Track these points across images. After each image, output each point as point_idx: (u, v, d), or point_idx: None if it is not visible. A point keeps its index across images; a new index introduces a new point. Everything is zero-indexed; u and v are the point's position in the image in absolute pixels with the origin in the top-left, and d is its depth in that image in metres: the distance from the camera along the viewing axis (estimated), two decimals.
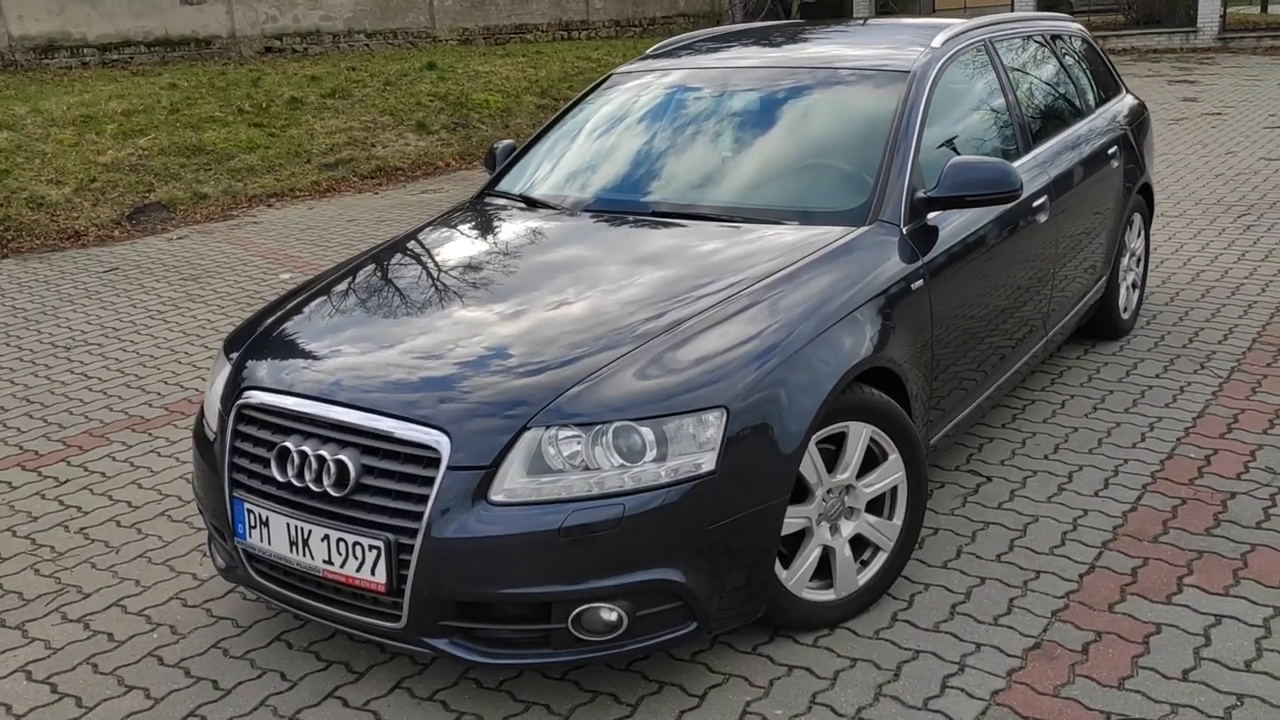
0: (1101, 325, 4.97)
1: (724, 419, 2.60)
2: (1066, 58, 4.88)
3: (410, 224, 3.68)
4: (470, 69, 14.89)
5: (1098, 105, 4.95)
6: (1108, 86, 5.24)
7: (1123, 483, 3.75)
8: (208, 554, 3.29)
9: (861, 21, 5.27)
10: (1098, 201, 4.55)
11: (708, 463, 2.57)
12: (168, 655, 3.04)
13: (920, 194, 3.40)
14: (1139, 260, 5.26)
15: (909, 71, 3.71)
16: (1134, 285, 5.22)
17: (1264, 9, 27.07)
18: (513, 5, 21.45)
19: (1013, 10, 21.60)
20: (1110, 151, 4.71)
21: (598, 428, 2.55)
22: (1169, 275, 6.10)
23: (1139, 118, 5.31)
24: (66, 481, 4.17)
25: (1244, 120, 11.51)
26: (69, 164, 9.63)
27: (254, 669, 2.96)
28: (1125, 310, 5.11)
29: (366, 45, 18.97)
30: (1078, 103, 4.76)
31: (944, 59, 3.84)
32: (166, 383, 5.20)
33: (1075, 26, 5.22)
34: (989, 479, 3.84)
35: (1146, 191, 5.21)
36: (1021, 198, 3.76)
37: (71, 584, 3.44)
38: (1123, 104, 5.25)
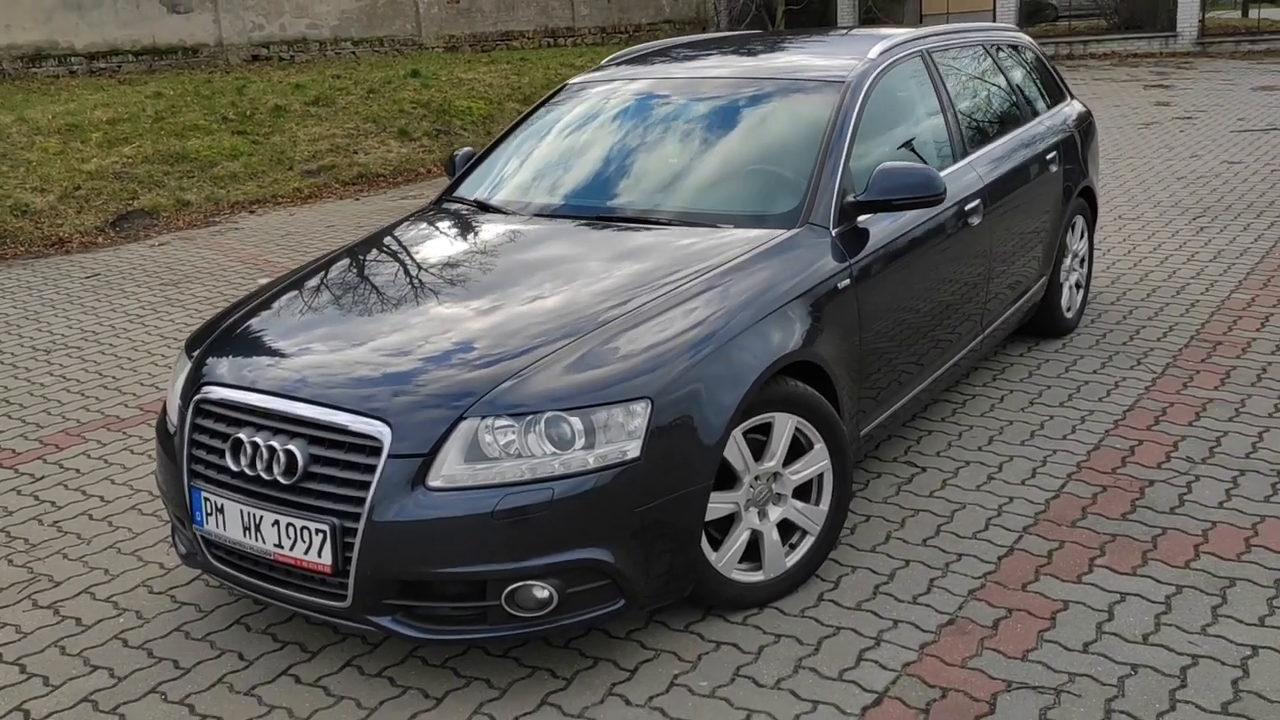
0: (1044, 323, 5.16)
1: (649, 409, 2.78)
2: (1008, 66, 5.08)
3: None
4: (454, 76, 15.08)
5: (1039, 112, 5.14)
6: (1051, 94, 5.43)
7: (1049, 472, 3.93)
8: (171, 543, 3.45)
9: (820, 32, 5.46)
10: (1036, 205, 4.74)
11: (633, 450, 2.75)
12: (132, 638, 3.21)
13: (850, 198, 3.58)
14: (1082, 261, 5.45)
15: (844, 81, 3.90)
16: (1077, 285, 5.40)
17: (1244, 13, 27.36)
18: (499, 12, 21.65)
19: (995, 17, 21.87)
20: (1050, 156, 4.90)
21: (530, 417, 2.72)
22: (1118, 275, 6.29)
23: (1083, 124, 5.50)
24: (43, 478, 4.34)
25: (1213, 124, 11.73)
26: (54, 172, 9.80)
27: (213, 649, 3.13)
28: (1069, 309, 5.29)
29: (353, 53, 19.15)
30: (1017, 110, 4.95)
31: (879, 69, 4.02)
32: (142, 384, 5.37)
33: (1020, 36, 5.41)
34: (924, 469, 4.02)
35: (1089, 195, 5.40)
36: (950, 201, 3.97)
37: (43, 573, 3.60)
38: (1066, 111, 5.44)
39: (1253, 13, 26.18)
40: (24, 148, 10.29)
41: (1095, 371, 4.85)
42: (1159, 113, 12.90)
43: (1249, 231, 7.08)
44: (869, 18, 24.49)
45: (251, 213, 9.82)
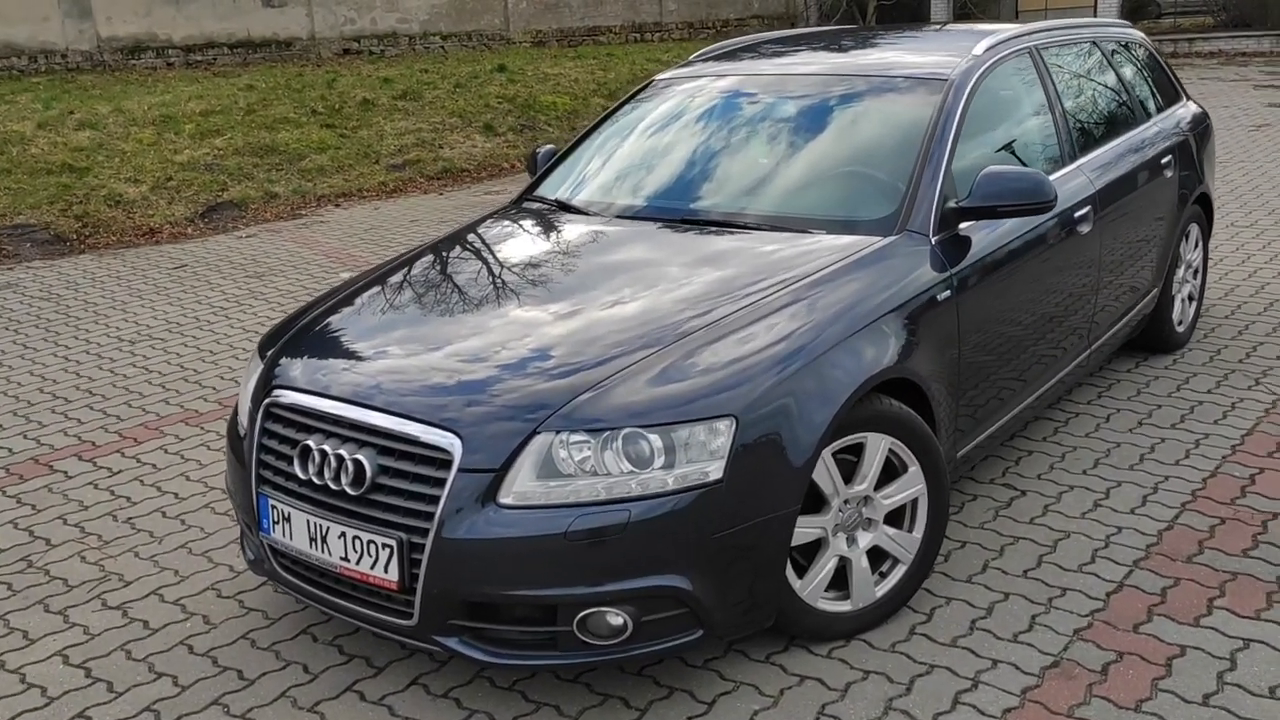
0: (1154, 338, 4.86)
1: (734, 428, 2.61)
2: (1120, 65, 4.78)
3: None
4: (540, 71, 15.03)
5: (1153, 113, 4.83)
6: (1166, 94, 5.12)
7: (1161, 500, 3.67)
8: (240, 547, 3.38)
9: (915, 28, 5.22)
10: (1149, 212, 4.45)
11: (715, 471, 2.58)
12: (198, 644, 3.14)
13: (952, 204, 3.37)
14: (1196, 272, 5.13)
15: (946, 79, 3.68)
16: (1190, 297, 5.09)
17: None
18: (586, 7, 21.59)
19: (1095, 13, 21.15)
20: (1164, 161, 4.60)
21: (607, 434, 2.57)
22: (1233, 287, 5.93)
23: (1199, 126, 5.18)
24: (119, 472, 4.32)
25: None
26: (147, 163, 9.95)
27: (279, 660, 3.05)
28: (1180, 323, 4.98)
29: (442, 47, 19.26)
30: (1130, 111, 4.66)
31: (984, 66, 3.79)
32: (222, 378, 5.35)
33: (1132, 33, 5.11)
34: (1023, 493, 3.78)
35: (1205, 202, 5.08)
36: (1060, 208, 3.72)
37: (115, 572, 3.57)
38: (1181, 112, 5.12)
39: None
40: (119, 138, 10.48)
41: (1210, 391, 4.55)
42: (1271, 114, 12.29)
43: None
44: (964, 13, 23.91)
45: (337, 206, 9.86)
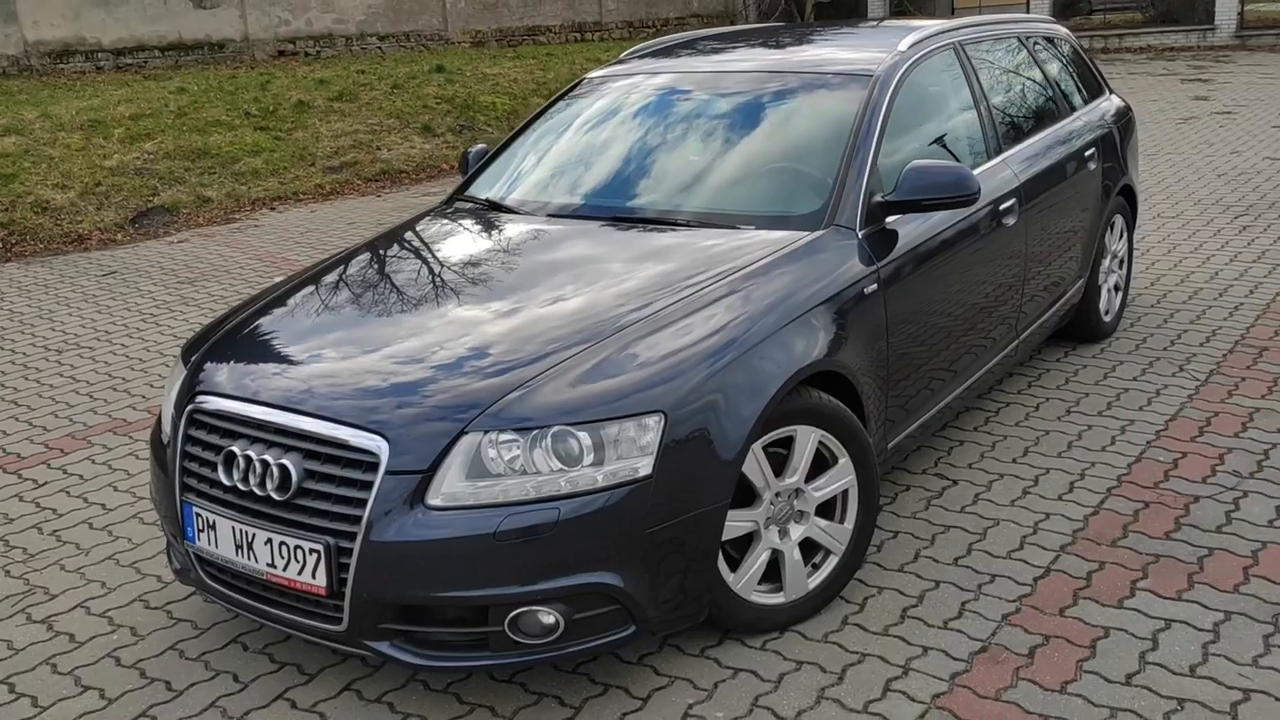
0: (1082, 327, 4.95)
1: (663, 424, 2.62)
2: (1044, 60, 4.87)
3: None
4: (478, 71, 14.95)
5: (1077, 107, 4.92)
6: (1089, 88, 5.22)
7: (1088, 486, 3.74)
8: (166, 557, 3.33)
9: (846, 24, 5.27)
10: (1073, 204, 4.53)
11: (645, 467, 2.58)
12: (125, 656, 3.08)
13: (878, 198, 3.40)
14: (1121, 262, 5.23)
15: (871, 75, 3.72)
16: (1116, 287, 5.19)
17: None
18: (525, 7, 21.52)
19: (1027, 9, 21.50)
20: (1088, 154, 4.69)
21: (536, 432, 2.57)
22: (1159, 277, 6.06)
23: (1122, 119, 5.28)
24: (45, 484, 4.23)
25: (1253, 119, 11.41)
26: (75, 168, 9.74)
27: (208, 670, 3.00)
28: (1107, 313, 5.08)
29: (379, 48, 19.08)
30: (1054, 105, 4.74)
31: (909, 62, 3.84)
32: (151, 386, 5.26)
33: (1056, 28, 5.20)
34: (955, 482, 3.83)
35: (1128, 193, 5.19)
36: (985, 201, 3.78)
37: (40, 585, 3.49)
38: (1105, 106, 5.22)
39: None
40: (47, 144, 10.24)
41: (1135, 378, 4.64)
42: (1197, 107, 12.58)
43: None
44: (900, 11, 24.17)
45: (272, 209, 9.73)
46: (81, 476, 4.28)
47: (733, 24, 24.42)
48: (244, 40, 17.45)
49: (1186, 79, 15.48)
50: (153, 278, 7.41)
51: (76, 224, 8.85)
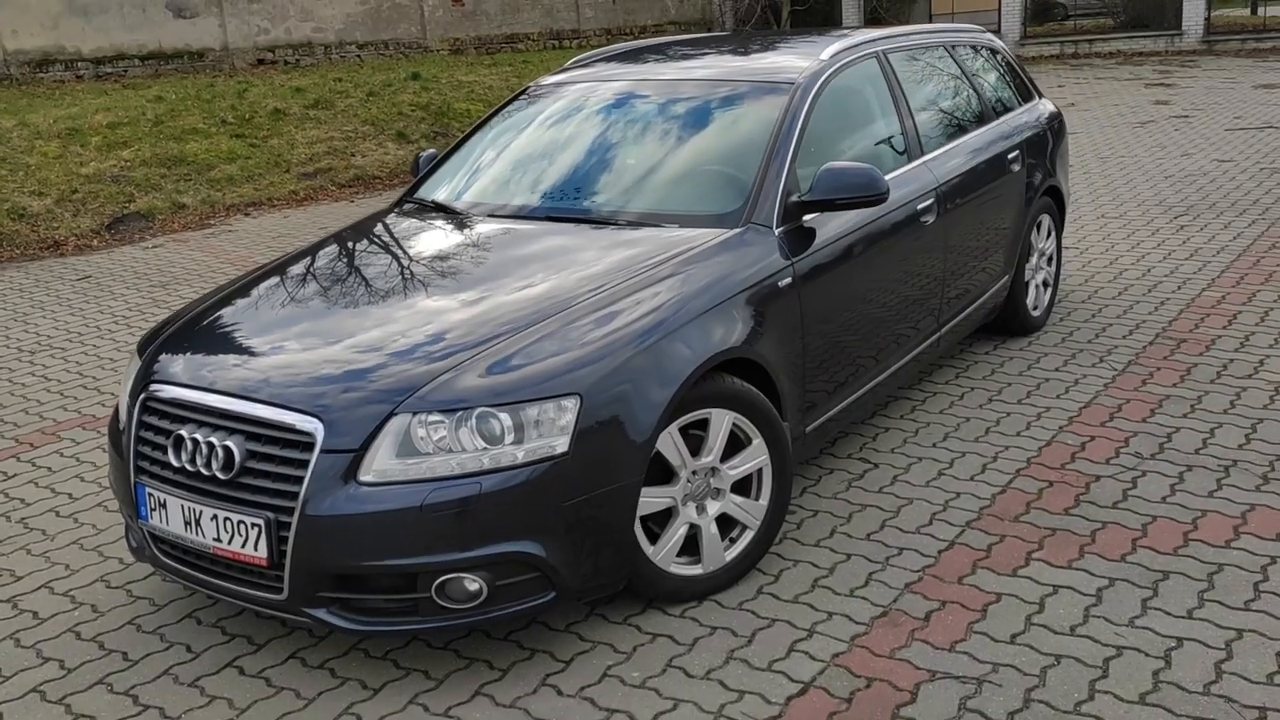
0: (1009, 322, 5.19)
1: (579, 405, 2.84)
2: (970, 67, 5.11)
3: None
4: (454, 78, 15.18)
5: (1003, 113, 5.16)
6: (1020, 93, 5.46)
7: (999, 468, 3.97)
8: (125, 538, 3.53)
9: (781, 34, 5.50)
10: (995, 204, 4.77)
11: (562, 445, 2.80)
12: (85, 631, 3.29)
13: (795, 198, 3.63)
14: (1050, 260, 5.48)
15: (793, 83, 3.95)
16: (1045, 283, 5.43)
17: (1254, 10, 27.18)
18: (504, 15, 21.75)
19: (999, 17, 21.86)
20: (1012, 156, 4.93)
21: (460, 413, 2.79)
22: (1093, 274, 6.32)
23: (1052, 123, 5.53)
24: (14, 476, 4.43)
25: (1209, 123, 11.71)
26: (52, 175, 9.92)
27: (163, 642, 3.21)
28: (1035, 308, 5.32)
29: (358, 56, 19.28)
30: (978, 110, 4.98)
31: (829, 70, 4.07)
32: (121, 384, 5.45)
33: (985, 37, 5.45)
34: (876, 465, 4.06)
35: (1056, 194, 5.43)
36: (902, 200, 4.02)
37: (5, 568, 3.69)
38: (1034, 111, 5.47)
39: (1261, 10, 26.01)
40: (24, 151, 10.43)
41: (1057, 369, 4.88)
42: (1156, 111, 12.88)
43: (1229, 230, 7.09)
44: (874, 18, 24.47)
45: (247, 215, 9.93)
46: (50, 469, 4.48)
47: (709, 30, 24.70)
48: (223, 49, 17.64)
49: (1150, 83, 15.80)
50: (126, 282, 7.61)
51: (53, 230, 9.03)
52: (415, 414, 2.78)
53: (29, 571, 3.66)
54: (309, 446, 2.78)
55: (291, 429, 2.81)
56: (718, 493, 3.25)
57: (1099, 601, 3.12)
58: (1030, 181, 5.08)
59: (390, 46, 19.88)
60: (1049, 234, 5.42)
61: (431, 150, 4.65)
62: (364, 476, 2.75)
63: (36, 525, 3.98)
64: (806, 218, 3.67)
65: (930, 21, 24.36)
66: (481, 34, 21.40)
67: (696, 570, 3.23)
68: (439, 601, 2.80)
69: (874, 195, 3.57)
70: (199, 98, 13.03)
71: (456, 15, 21.01)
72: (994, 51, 5.47)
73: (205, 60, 17.35)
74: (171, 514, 2.94)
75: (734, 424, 3.22)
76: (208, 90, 13.62)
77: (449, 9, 20.88)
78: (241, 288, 3.64)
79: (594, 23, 23.43)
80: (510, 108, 4.60)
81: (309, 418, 2.80)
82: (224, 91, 13.54)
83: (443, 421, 2.78)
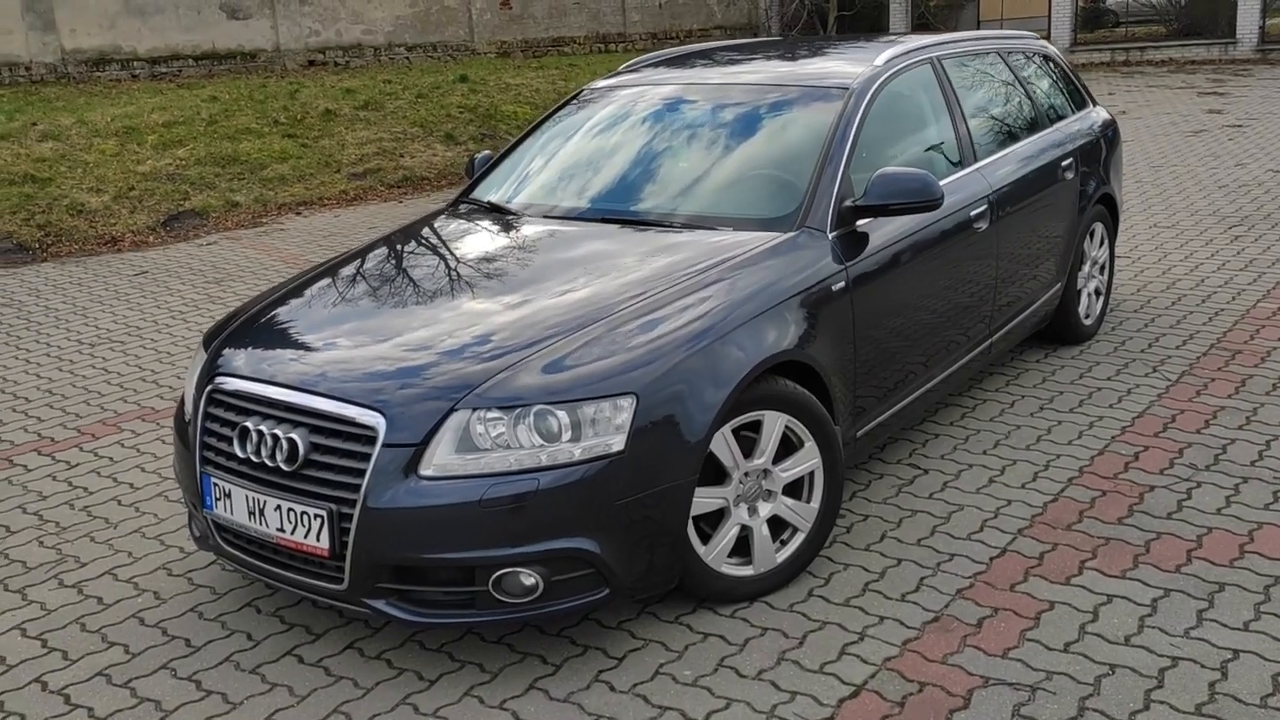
0: (1061, 330, 5.16)
1: (635, 405, 2.87)
2: (1024, 74, 5.09)
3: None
4: (502, 81, 15.30)
5: (1056, 120, 5.14)
6: (1072, 101, 5.43)
7: (1051, 476, 3.96)
8: (188, 526, 3.61)
9: (836, 39, 5.51)
10: (1049, 212, 4.76)
11: (618, 443, 2.84)
12: (149, 617, 3.37)
13: (849, 202, 3.65)
14: (1102, 268, 5.44)
15: (848, 88, 3.96)
16: (1097, 292, 5.40)
17: None
18: (550, 18, 21.88)
19: (1049, 23, 21.67)
20: (1065, 164, 4.91)
21: (519, 410, 2.83)
22: (1145, 283, 6.26)
23: (1106, 131, 5.49)
24: (77, 465, 4.54)
25: (1264, 133, 11.54)
26: (110, 173, 10.12)
27: (224, 629, 3.28)
28: (1087, 316, 5.29)
29: (407, 58, 19.47)
30: (1031, 117, 4.96)
31: (884, 76, 4.08)
32: (179, 377, 5.57)
33: (1038, 44, 5.42)
34: (926, 472, 4.06)
35: (1109, 202, 5.39)
36: (956, 207, 4.02)
37: (71, 555, 3.78)
38: (1088, 118, 5.44)
39: None
40: (82, 149, 10.64)
41: (1109, 378, 4.85)
42: (1209, 120, 12.71)
43: None
44: (922, 24, 24.35)
45: (298, 214, 10.07)
46: (111, 459, 4.58)
47: (755, 35, 24.69)
48: (275, 50, 17.89)
49: (1203, 92, 15.59)
50: (182, 278, 7.75)
51: (110, 226, 9.21)
52: (474, 410, 2.83)
53: (93, 558, 3.75)
54: (371, 440, 2.83)
55: (354, 423, 2.87)
56: (769, 494, 3.27)
57: (1154, 612, 3.10)
58: (1084, 189, 5.06)
59: (438, 49, 20.05)
60: (1102, 242, 5.39)
61: (487, 152, 4.71)
62: (424, 471, 2.80)
63: (99, 513, 4.08)
64: (860, 222, 3.68)
65: (979, 28, 24.24)
66: (528, 37, 21.53)
67: (748, 571, 3.25)
68: (496, 595, 2.84)
69: (929, 201, 3.58)
70: (252, 98, 13.23)
71: (504, 18, 21.16)
72: (1048, 58, 5.45)
73: (257, 61, 17.60)
74: (236, 504, 3.01)
75: (786, 427, 3.24)
76: (260, 91, 13.82)
77: (496, 12, 21.03)
78: (303, 284, 3.72)
79: (640, 27, 23.49)
80: (564, 111, 4.65)
81: (372, 412, 2.86)
82: (276, 92, 13.74)
83: (501, 418, 2.83)
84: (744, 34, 24.52)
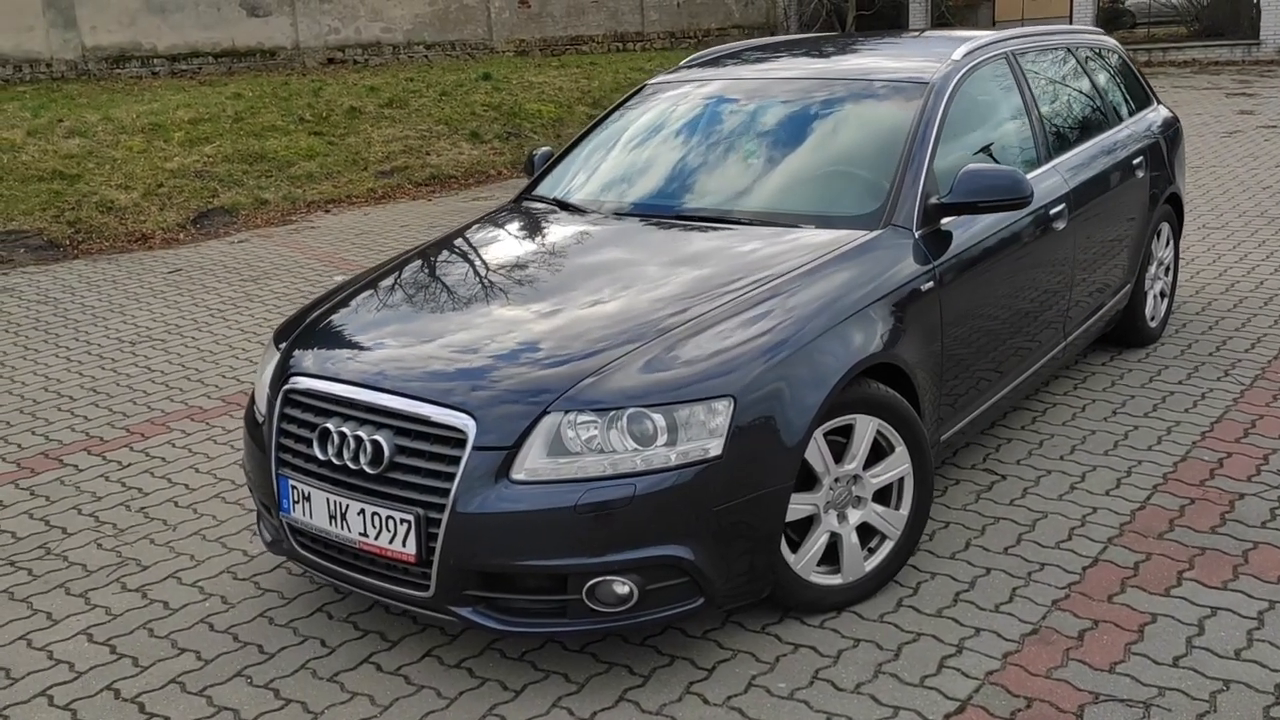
0: (1127, 332, 5.05)
1: (732, 408, 2.77)
2: (1094, 70, 4.99)
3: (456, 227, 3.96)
4: (524, 79, 15.20)
5: (1125, 117, 5.04)
6: (1138, 98, 5.33)
7: (1134, 483, 3.85)
8: (256, 530, 3.52)
9: (895, 34, 5.41)
10: (1121, 211, 4.65)
11: (715, 448, 2.74)
12: (218, 622, 3.27)
13: (934, 200, 3.54)
14: (1167, 269, 5.33)
15: (928, 83, 3.86)
16: (1162, 294, 5.29)
17: None
18: (568, 17, 21.80)
19: (1070, 20, 21.52)
20: (1136, 162, 4.80)
21: (613, 413, 2.73)
22: (1204, 285, 6.15)
23: (1169, 129, 5.39)
24: (129, 465, 4.45)
25: None
26: (138, 170, 10.05)
27: (296, 636, 3.19)
28: (1152, 318, 5.18)
29: (426, 56, 19.40)
30: (1103, 114, 4.86)
31: (963, 70, 3.98)
32: (224, 376, 5.48)
33: (1104, 40, 5.32)
34: (1003, 477, 3.96)
35: (1175, 202, 5.29)
36: (1035, 205, 3.91)
37: (131, 557, 3.69)
38: (1153, 116, 5.33)
39: None
40: (109, 146, 10.57)
41: (1181, 382, 4.74)
42: (1242, 121, 12.59)
43: None
44: (942, 22, 24.22)
45: (327, 212, 9.99)
46: (164, 459, 4.49)
47: (774, 34, 24.60)
48: (295, 48, 17.83)
49: (1231, 93, 15.46)
50: (217, 275, 7.67)
51: (140, 223, 9.14)
52: (566, 413, 2.74)
53: (154, 561, 3.66)
54: (460, 443, 2.74)
55: (442, 425, 2.77)
56: (859, 501, 3.17)
57: (1261, 625, 3.00)
58: (1153, 188, 4.95)
59: (457, 47, 19.98)
60: (1168, 243, 5.28)
61: (547, 148, 4.61)
62: (516, 475, 2.70)
63: (157, 515, 3.99)
64: (944, 220, 3.58)
65: (994, 28, 24.12)
66: (546, 36, 21.45)
67: (836, 580, 3.15)
68: (589, 604, 2.74)
69: (1018, 199, 3.48)
70: (276, 95, 13.15)
71: (522, 17, 21.08)
72: (1113, 54, 5.34)
73: (277, 59, 17.54)
74: (316, 507, 2.92)
75: (878, 431, 3.13)
76: (283, 88, 13.74)
77: (515, 10, 20.96)
78: (372, 281, 3.62)
79: (658, 26, 23.40)
80: (626, 106, 4.54)
81: (461, 414, 2.76)
82: (299, 90, 13.66)
83: (594, 421, 2.73)
84: (762, 33, 24.41)
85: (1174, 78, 18.08)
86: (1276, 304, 5.73)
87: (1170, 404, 4.51)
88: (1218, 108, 13.96)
